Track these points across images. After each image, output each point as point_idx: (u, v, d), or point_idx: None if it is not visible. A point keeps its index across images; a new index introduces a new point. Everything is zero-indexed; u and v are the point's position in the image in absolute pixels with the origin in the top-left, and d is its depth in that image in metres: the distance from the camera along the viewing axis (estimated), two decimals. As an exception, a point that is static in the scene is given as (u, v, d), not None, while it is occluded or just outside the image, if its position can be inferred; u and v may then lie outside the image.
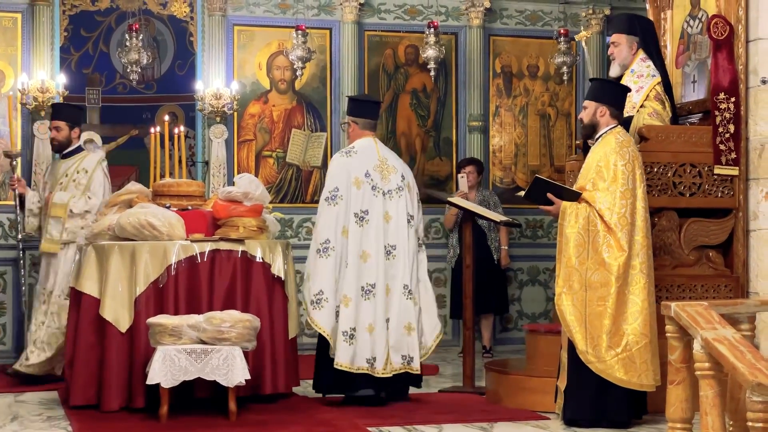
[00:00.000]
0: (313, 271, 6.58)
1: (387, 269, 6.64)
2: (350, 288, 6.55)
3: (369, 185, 6.69)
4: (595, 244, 5.97)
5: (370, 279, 6.60)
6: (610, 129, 6.18)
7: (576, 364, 5.93)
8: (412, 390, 6.89)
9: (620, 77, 6.93)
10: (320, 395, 6.85)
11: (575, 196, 6.07)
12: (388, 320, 6.62)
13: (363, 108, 6.97)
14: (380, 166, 6.78)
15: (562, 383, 6.02)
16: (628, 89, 6.56)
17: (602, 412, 5.91)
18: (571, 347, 5.95)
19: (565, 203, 6.07)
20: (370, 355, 6.54)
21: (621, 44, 6.91)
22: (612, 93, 6.28)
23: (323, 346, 6.65)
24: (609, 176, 6.01)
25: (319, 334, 6.59)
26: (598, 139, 6.21)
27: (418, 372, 6.73)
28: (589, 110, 6.23)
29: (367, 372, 6.54)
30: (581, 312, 5.93)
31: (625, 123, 6.67)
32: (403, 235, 6.72)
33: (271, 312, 6.68)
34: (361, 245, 6.62)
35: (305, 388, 7.25)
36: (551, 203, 6.13)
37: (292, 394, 6.91)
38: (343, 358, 6.49)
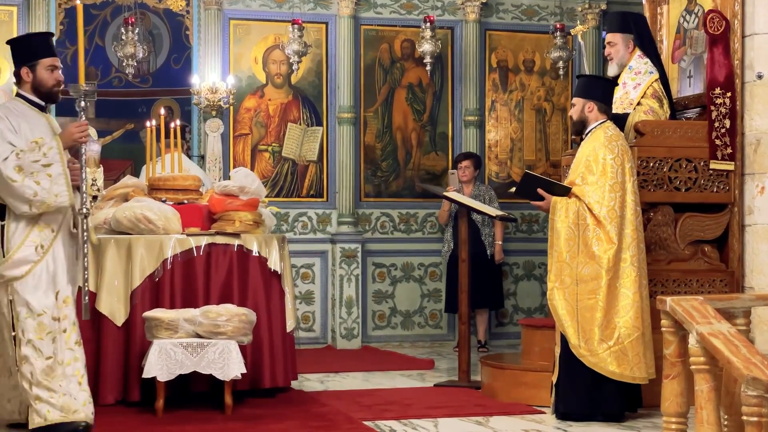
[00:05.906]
0: None
1: None
2: None
3: None
4: (585, 237, 5.99)
5: None
6: (600, 124, 6.20)
7: (568, 358, 5.95)
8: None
9: (618, 76, 6.94)
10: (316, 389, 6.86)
11: (565, 191, 6.09)
12: None
13: None
14: None
15: (555, 378, 6.05)
16: (614, 83, 6.58)
17: (597, 405, 5.93)
18: (564, 342, 5.97)
19: (555, 198, 6.09)
20: None
21: (617, 43, 6.92)
22: (598, 88, 6.31)
23: None
24: (598, 170, 6.04)
25: None
26: (587, 134, 6.23)
27: None
28: (578, 107, 6.28)
29: None
30: (573, 306, 5.95)
31: (621, 120, 6.69)
32: None
33: (268, 306, 6.69)
34: None
35: (301, 382, 7.28)
36: (542, 198, 6.15)
37: (291, 388, 6.92)
38: None
